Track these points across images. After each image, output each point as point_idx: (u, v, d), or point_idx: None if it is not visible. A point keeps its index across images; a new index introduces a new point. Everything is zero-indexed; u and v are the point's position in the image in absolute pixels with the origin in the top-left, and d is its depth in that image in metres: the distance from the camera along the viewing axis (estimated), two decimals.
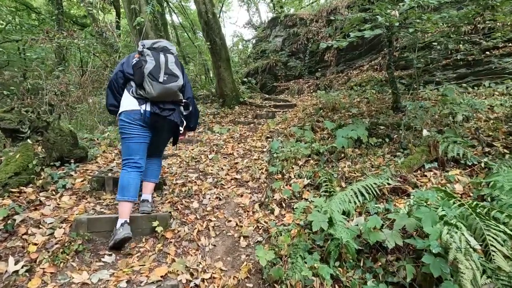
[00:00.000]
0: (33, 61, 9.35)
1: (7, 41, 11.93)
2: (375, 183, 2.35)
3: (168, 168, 3.57)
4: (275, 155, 3.68)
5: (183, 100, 2.27)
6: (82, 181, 2.82)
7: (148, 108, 2.10)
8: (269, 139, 4.45)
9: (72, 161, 3.23)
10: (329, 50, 11.59)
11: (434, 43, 7.56)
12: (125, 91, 2.18)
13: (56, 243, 1.95)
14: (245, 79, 9.56)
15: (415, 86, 5.97)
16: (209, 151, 4.11)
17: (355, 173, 2.98)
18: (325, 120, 4.92)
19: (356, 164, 3.17)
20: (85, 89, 6.07)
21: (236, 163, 3.67)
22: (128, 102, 2.13)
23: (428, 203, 1.88)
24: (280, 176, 3.14)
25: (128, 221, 2.05)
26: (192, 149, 4.29)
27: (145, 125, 2.13)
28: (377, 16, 3.26)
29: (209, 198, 2.87)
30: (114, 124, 6.71)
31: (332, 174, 2.94)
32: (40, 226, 2.09)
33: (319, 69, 12.18)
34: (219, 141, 4.55)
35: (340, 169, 3.09)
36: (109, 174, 3.07)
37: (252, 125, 5.71)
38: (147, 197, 2.38)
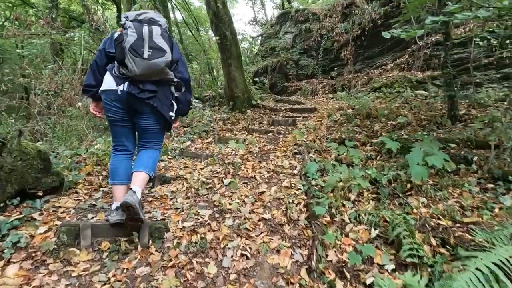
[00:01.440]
0: (25, 58, 8.49)
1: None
2: None
3: (171, 199, 2.67)
4: (313, 182, 2.77)
5: (174, 79, 1.98)
6: (45, 231, 1.92)
7: (125, 88, 1.86)
8: (298, 156, 3.54)
9: (41, 193, 2.34)
10: (346, 48, 10.64)
11: (476, 39, 6.62)
12: (107, 70, 1.94)
13: None
14: (256, 79, 8.62)
15: (471, 89, 5.03)
16: (223, 172, 3.21)
17: (439, 218, 2.08)
18: (362, 130, 4.01)
19: (435, 203, 2.26)
20: (73, 90, 5.19)
21: (262, 192, 2.76)
22: (106, 81, 1.92)
23: None
24: (328, 218, 2.23)
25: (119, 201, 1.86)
26: (202, 169, 3.39)
27: (123, 107, 1.92)
28: None
29: (232, 256, 1.97)
30: (107, 132, 5.84)
31: (407, 220, 2.03)
32: None
33: (335, 68, 11.23)
34: (235, 157, 3.64)
35: (415, 210, 2.18)
36: (89, 217, 2.18)
37: (270, 134, 4.80)
38: (135, 189, 1.87)
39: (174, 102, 2.06)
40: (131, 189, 1.87)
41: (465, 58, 7.13)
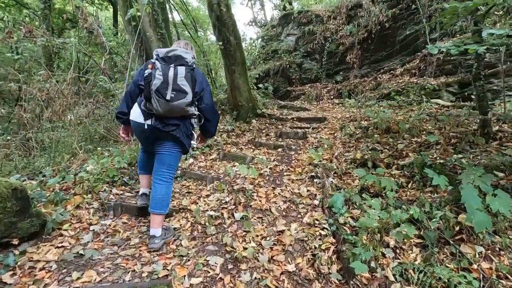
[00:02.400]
0: (16, 61, 8.02)
1: None
2: None
3: (175, 240, 2.26)
4: (340, 218, 2.37)
5: (195, 114, 2.21)
6: None
7: (152, 123, 2.09)
8: (316, 181, 3.14)
9: (16, 241, 1.93)
10: (351, 51, 10.26)
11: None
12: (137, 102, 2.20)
13: None
14: (260, 85, 8.21)
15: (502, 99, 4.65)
16: (233, 202, 2.80)
17: (507, 278, 1.68)
18: (383, 147, 3.62)
19: (496, 253, 1.87)
20: (64, 100, 4.75)
21: (280, 232, 2.36)
22: (135, 113, 2.17)
23: None
24: (367, 273, 1.83)
25: (146, 192, 2.54)
26: (208, 197, 2.98)
27: (148, 136, 2.20)
28: None
29: None
30: (102, 144, 5.41)
31: (470, 281, 1.64)
32: None
33: (340, 72, 10.84)
34: (245, 181, 3.23)
35: (474, 264, 1.79)
36: (74, 277, 1.76)
37: (280, 149, 4.39)
38: (154, 232, 2.16)
39: (193, 132, 2.28)
40: (152, 235, 2.15)
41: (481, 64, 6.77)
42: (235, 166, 3.76)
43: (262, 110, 6.38)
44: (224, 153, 4.30)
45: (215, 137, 4.97)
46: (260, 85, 8.06)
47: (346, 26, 11.06)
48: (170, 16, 13.91)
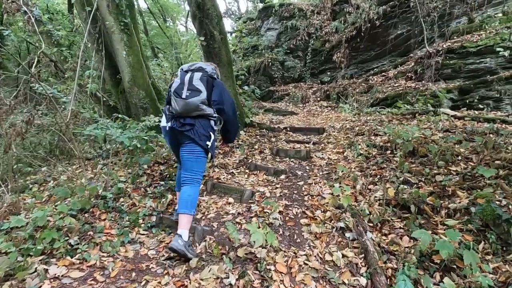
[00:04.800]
0: None
1: None
2: None
3: None
4: None
5: (213, 115, 2.30)
6: None
7: (171, 124, 2.29)
8: (348, 236, 2.29)
9: None
10: (338, 49, 9.58)
11: (499, 48, 5.86)
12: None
13: None
14: (246, 87, 7.21)
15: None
16: (241, 285, 1.86)
17: None
18: (418, 180, 2.89)
19: None
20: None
21: None
22: (162, 119, 2.44)
23: None
24: None
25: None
26: (199, 271, 2.01)
27: (171, 137, 2.40)
28: None
29: None
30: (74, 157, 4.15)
31: None
32: None
33: (326, 72, 10.15)
34: (250, 238, 2.30)
35: None
36: None
37: (283, 177, 3.50)
38: (181, 232, 2.14)
39: (212, 134, 2.34)
40: (179, 234, 2.13)
41: (481, 69, 6.41)
42: (228, 204, 2.82)
43: (251, 119, 5.43)
44: (213, 183, 3.32)
45: None
46: (246, 87, 7.06)
47: (331, 22, 10.37)
48: (136, 3, 12.27)
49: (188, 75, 2.25)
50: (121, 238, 2.41)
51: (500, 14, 6.60)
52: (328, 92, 8.96)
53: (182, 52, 15.63)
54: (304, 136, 5.19)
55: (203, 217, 2.73)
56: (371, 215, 2.52)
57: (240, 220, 2.62)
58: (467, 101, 6.06)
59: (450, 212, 2.46)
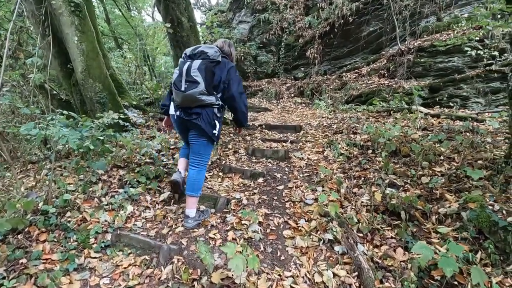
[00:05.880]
0: None
1: None
2: None
3: None
4: None
5: (216, 103, 2.27)
6: None
7: (179, 113, 2.31)
8: (337, 251, 2.03)
9: None
10: (311, 45, 9.44)
11: (467, 48, 6.00)
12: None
13: None
14: None
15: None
16: None
17: None
18: (404, 181, 2.73)
19: None
20: None
21: None
22: (171, 107, 2.48)
23: None
24: None
25: (180, 170, 2.56)
26: None
27: (180, 125, 2.46)
28: None
29: None
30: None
31: None
32: None
33: (300, 67, 9.98)
34: (226, 257, 1.95)
35: None
36: None
37: (261, 180, 3.18)
38: (189, 213, 2.39)
39: (217, 122, 2.34)
40: (186, 215, 2.40)
41: (449, 68, 6.57)
42: (214, 240, 2.45)
43: (224, 116, 5.03)
44: (182, 190, 2.90)
45: (164, 160, 3.51)
46: None
47: (304, 17, 10.21)
48: None
49: (187, 64, 2.18)
50: (64, 264, 1.94)
51: (466, 15, 6.80)
52: (302, 88, 8.79)
53: (149, 44, 14.65)
54: (281, 134, 4.92)
55: (170, 232, 2.33)
56: (360, 224, 2.28)
57: (214, 234, 2.25)
58: (437, 99, 6.18)
59: (441, 217, 2.30)
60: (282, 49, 10.29)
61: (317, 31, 9.21)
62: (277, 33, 10.37)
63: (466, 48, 5.92)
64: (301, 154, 3.79)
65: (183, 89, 2.16)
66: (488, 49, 5.89)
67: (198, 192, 2.39)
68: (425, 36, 7.03)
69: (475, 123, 4.33)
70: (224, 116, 5.02)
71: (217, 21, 12.21)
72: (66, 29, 4.04)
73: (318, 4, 9.95)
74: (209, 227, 2.37)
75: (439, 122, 4.37)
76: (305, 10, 10.49)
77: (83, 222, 2.35)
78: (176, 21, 3.95)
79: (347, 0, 8.64)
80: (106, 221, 2.38)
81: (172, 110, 2.44)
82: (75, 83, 4.59)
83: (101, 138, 3.11)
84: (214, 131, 2.31)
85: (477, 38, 6.14)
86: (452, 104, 5.97)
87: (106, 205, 2.59)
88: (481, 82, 5.99)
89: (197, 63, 2.16)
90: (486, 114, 4.86)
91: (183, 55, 2.32)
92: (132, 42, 15.78)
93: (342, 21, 8.50)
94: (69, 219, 2.34)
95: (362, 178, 2.97)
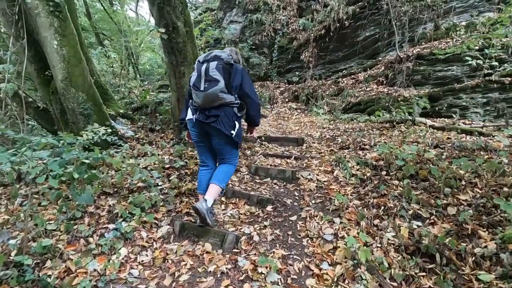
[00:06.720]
0: None
1: None
2: None
3: None
4: None
5: (235, 102, 2.29)
6: None
7: (197, 117, 2.31)
8: None
9: None
10: (306, 48, 9.17)
11: (467, 57, 5.90)
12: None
13: None
14: None
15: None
16: None
17: None
18: (429, 212, 2.50)
19: None
20: None
21: None
22: (188, 112, 2.45)
23: None
24: None
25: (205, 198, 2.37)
26: None
27: (198, 131, 2.42)
28: None
29: None
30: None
31: None
32: None
33: (294, 71, 9.70)
34: None
35: None
36: None
37: (270, 208, 2.87)
38: (207, 198, 2.33)
39: (236, 122, 2.33)
40: (204, 198, 2.33)
41: (448, 77, 6.48)
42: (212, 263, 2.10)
43: None
44: (182, 224, 2.54)
45: (160, 183, 3.13)
46: None
47: (298, 19, 9.93)
48: None
49: (204, 66, 2.23)
50: None
51: (464, 23, 6.73)
52: (296, 93, 8.54)
53: (133, 41, 13.93)
54: (282, 147, 4.62)
55: (174, 283, 1.97)
56: (392, 269, 2.02)
57: (226, 287, 1.92)
58: (437, 108, 6.07)
59: (478, 259, 2.08)
60: (275, 51, 9.99)
61: (312, 34, 8.97)
62: (269, 34, 10.05)
63: (467, 58, 5.83)
64: (309, 175, 3.51)
65: (202, 88, 2.18)
66: (488, 59, 5.82)
67: (223, 184, 2.40)
68: (423, 43, 6.92)
69: (482, 138, 4.22)
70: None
71: (208, 19, 11.74)
72: (44, 31, 3.55)
73: (312, 6, 9.70)
74: (219, 275, 2.04)
75: (448, 138, 4.20)
76: (298, 11, 10.22)
77: (67, 274, 1.95)
78: (171, 26, 3.55)
79: (343, 4, 8.42)
80: (95, 270, 2.00)
81: (189, 115, 2.42)
82: (55, 91, 4.09)
83: (87, 161, 2.69)
84: (233, 132, 2.29)
85: (477, 48, 6.06)
86: (450, 114, 5.88)
87: (94, 247, 2.20)
88: (480, 92, 5.93)
89: (214, 63, 2.22)
90: (491, 127, 4.77)
91: (196, 61, 2.36)
92: (114, 39, 14.97)
93: (338, 24, 8.29)
94: (50, 271, 1.94)
95: (382, 207, 2.72)
